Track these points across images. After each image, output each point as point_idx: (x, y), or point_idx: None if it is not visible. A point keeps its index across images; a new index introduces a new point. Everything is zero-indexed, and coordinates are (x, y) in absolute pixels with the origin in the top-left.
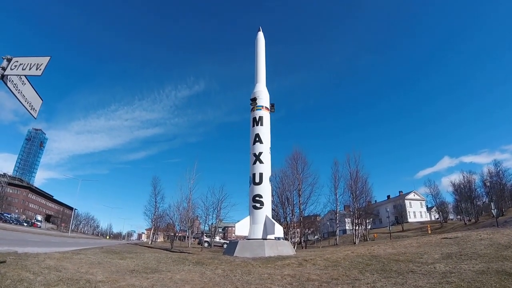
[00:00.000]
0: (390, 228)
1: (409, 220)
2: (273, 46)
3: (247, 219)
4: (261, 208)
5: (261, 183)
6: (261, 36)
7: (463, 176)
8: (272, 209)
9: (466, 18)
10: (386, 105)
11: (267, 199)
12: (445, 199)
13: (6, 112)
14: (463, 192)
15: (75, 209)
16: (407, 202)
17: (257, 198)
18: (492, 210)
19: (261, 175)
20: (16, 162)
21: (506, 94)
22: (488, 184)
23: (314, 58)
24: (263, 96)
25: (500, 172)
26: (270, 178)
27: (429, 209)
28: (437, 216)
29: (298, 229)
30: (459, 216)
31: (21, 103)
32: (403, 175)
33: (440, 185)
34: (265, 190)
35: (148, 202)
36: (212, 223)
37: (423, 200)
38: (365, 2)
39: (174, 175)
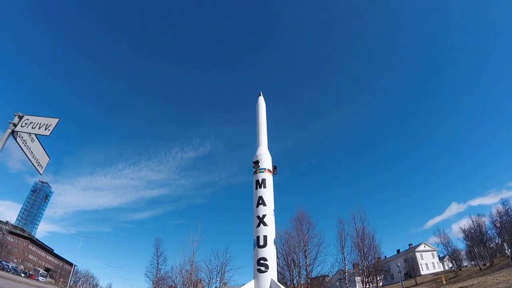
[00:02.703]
0: (403, 283)
1: (422, 272)
2: (275, 106)
3: (251, 283)
4: (266, 271)
5: (265, 246)
6: (261, 100)
7: (472, 221)
8: (278, 271)
9: (468, 51)
10: (387, 159)
11: (272, 262)
12: (457, 246)
13: (15, 161)
14: (474, 237)
15: (75, 265)
16: (418, 254)
17: (261, 261)
18: (506, 250)
19: (265, 237)
20: (20, 211)
21: (504, 124)
22: (498, 224)
23: (316, 116)
24: (265, 159)
25: (509, 210)
26: (274, 240)
27: (441, 259)
28: (450, 265)
29: None
30: (473, 262)
31: (29, 159)
32: (412, 227)
33: (451, 233)
34: (270, 253)
35: (150, 263)
36: (216, 287)
37: (434, 251)
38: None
39: (178, 237)
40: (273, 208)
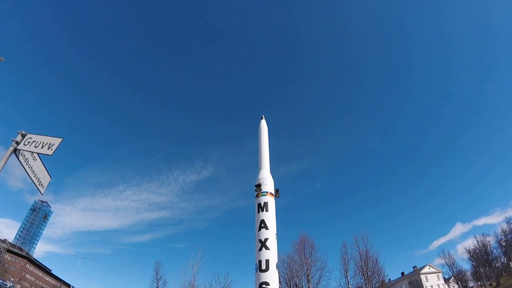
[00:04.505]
0: None
1: None
2: (277, 134)
3: None
4: None
5: (267, 270)
6: (263, 124)
7: (477, 240)
8: None
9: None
10: (389, 181)
11: (274, 286)
12: (462, 267)
13: (15, 178)
14: (480, 257)
15: (72, 286)
16: (422, 276)
17: (264, 286)
18: None
19: (267, 261)
20: (18, 230)
21: (506, 145)
22: (503, 243)
23: (319, 144)
24: (268, 182)
25: None
26: (277, 264)
27: (447, 281)
28: (456, 287)
29: None
30: (479, 282)
31: (30, 178)
32: (416, 249)
33: (456, 254)
34: (272, 277)
35: (149, 287)
36: None
37: (439, 272)
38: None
39: (178, 260)
40: (275, 231)
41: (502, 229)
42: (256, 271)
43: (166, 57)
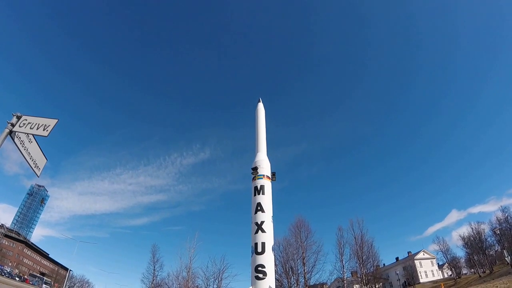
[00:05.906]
0: None
1: (421, 280)
2: (275, 120)
3: None
4: (264, 278)
5: (263, 252)
6: (261, 106)
7: (472, 228)
8: (276, 279)
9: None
10: (387, 167)
11: (270, 269)
12: (456, 254)
13: (11, 163)
14: (474, 244)
15: (70, 270)
16: (417, 262)
17: (259, 269)
18: (506, 258)
19: (263, 244)
20: (16, 215)
21: (504, 133)
22: (498, 232)
23: (316, 129)
24: (264, 165)
25: (509, 217)
26: (273, 247)
27: (440, 267)
28: (450, 273)
29: None
30: (472, 270)
31: (26, 160)
32: (411, 235)
33: (450, 240)
34: (268, 260)
35: (146, 270)
36: None
37: (434, 258)
38: (363, 77)
39: (175, 243)
40: (271, 214)
41: (497, 217)
42: (252, 254)
43: (163, 41)
